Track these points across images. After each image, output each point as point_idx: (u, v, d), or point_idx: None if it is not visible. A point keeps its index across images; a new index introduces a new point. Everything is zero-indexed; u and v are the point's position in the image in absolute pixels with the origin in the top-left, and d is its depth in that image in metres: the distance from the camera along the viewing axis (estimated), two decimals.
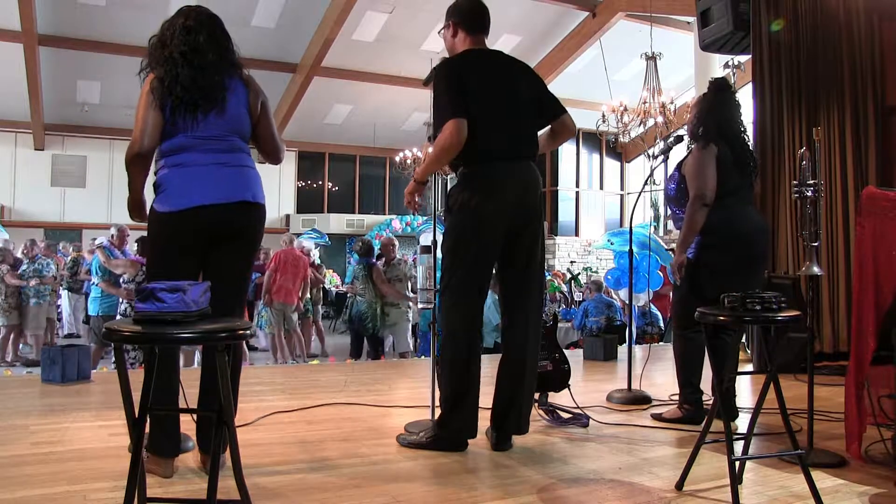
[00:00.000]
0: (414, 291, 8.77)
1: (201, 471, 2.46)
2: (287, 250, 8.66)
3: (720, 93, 3.38)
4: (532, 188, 2.87)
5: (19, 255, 9.10)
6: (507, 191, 2.80)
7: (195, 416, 2.53)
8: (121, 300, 6.63)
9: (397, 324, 7.25)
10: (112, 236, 7.03)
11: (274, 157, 2.66)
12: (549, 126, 3.02)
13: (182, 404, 2.56)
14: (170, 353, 2.39)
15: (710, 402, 3.45)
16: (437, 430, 2.83)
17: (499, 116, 2.82)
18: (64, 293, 10.21)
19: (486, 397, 2.90)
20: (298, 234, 13.23)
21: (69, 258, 10.23)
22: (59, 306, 10.13)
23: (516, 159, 2.85)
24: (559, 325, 4.12)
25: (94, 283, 7.07)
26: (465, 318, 2.82)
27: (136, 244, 7.06)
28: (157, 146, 2.42)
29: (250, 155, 2.56)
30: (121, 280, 6.69)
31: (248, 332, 1.80)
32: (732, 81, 5.94)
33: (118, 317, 6.56)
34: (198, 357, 6.28)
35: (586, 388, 4.18)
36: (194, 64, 2.37)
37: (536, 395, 3.36)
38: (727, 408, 3.18)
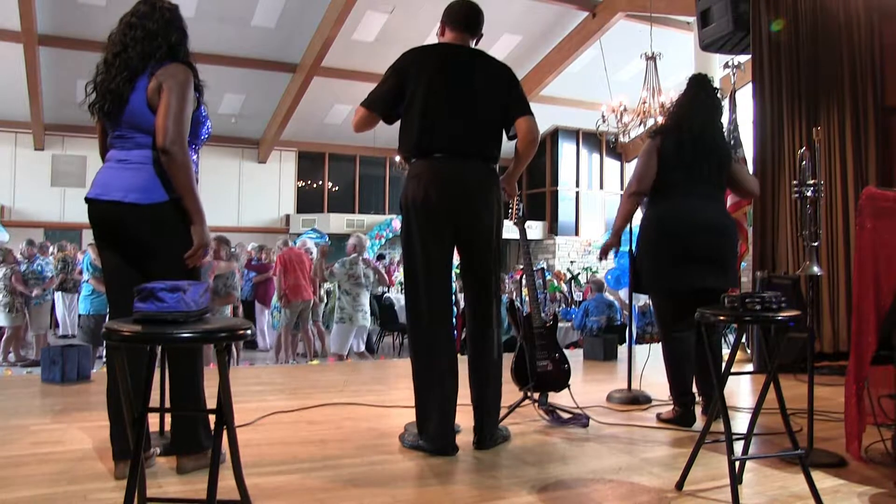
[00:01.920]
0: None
1: (177, 472, 2.43)
2: (288, 250, 8.70)
3: (690, 88, 3.42)
4: (476, 186, 2.79)
5: (18, 256, 9.08)
6: (445, 185, 2.75)
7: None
8: None
9: (334, 322, 7.16)
10: None
11: (160, 144, 2.28)
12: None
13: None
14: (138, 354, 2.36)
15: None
16: (418, 435, 2.80)
17: (445, 111, 2.76)
18: (57, 294, 10.19)
19: None
20: (299, 234, 13.24)
21: (57, 258, 10.18)
22: (53, 308, 10.12)
23: (459, 156, 2.79)
24: (559, 325, 4.12)
25: (85, 281, 7.03)
26: (424, 316, 2.78)
27: None
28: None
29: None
30: None
31: (248, 331, 1.80)
32: (732, 81, 5.92)
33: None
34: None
35: (586, 388, 4.18)
36: (117, 64, 2.38)
37: (536, 395, 3.37)
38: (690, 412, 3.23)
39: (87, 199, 2.41)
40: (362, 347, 7.24)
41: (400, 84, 2.80)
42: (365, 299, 7.07)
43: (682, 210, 3.25)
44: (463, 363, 2.83)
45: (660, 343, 3.50)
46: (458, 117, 2.78)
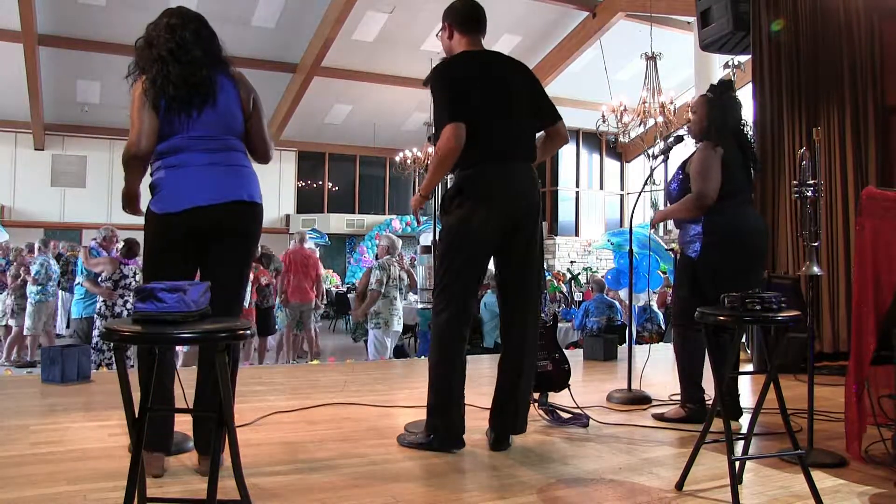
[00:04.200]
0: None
1: (198, 472, 2.45)
2: (296, 250, 8.64)
3: (724, 91, 3.40)
4: (528, 190, 2.86)
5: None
6: (500, 193, 2.79)
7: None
8: (98, 298, 6.57)
9: (369, 329, 6.97)
10: (99, 238, 7.01)
11: (263, 156, 2.64)
12: (545, 132, 3.04)
13: (181, 404, 2.56)
14: (160, 353, 2.37)
15: (710, 400, 3.46)
16: (426, 434, 2.82)
17: (494, 118, 2.80)
18: (59, 294, 10.18)
19: (485, 397, 2.90)
20: (309, 230, 13.18)
21: (62, 258, 10.17)
22: (55, 307, 10.10)
23: (511, 161, 2.84)
24: (559, 325, 4.12)
25: (77, 283, 7.03)
26: (451, 322, 2.80)
27: (121, 244, 6.97)
28: (154, 148, 2.43)
29: (246, 154, 2.56)
30: (99, 278, 6.64)
31: (248, 332, 1.80)
32: (732, 81, 5.94)
33: (95, 316, 6.53)
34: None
35: (586, 388, 4.18)
36: (182, 60, 2.38)
37: (536, 395, 3.37)
38: (730, 407, 3.21)
39: (199, 208, 2.35)
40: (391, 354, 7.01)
41: (462, 90, 2.79)
42: (399, 303, 6.90)
43: (750, 215, 3.37)
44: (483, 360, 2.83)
45: (660, 342, 3.50)
46: (507, 123, 2.83)
